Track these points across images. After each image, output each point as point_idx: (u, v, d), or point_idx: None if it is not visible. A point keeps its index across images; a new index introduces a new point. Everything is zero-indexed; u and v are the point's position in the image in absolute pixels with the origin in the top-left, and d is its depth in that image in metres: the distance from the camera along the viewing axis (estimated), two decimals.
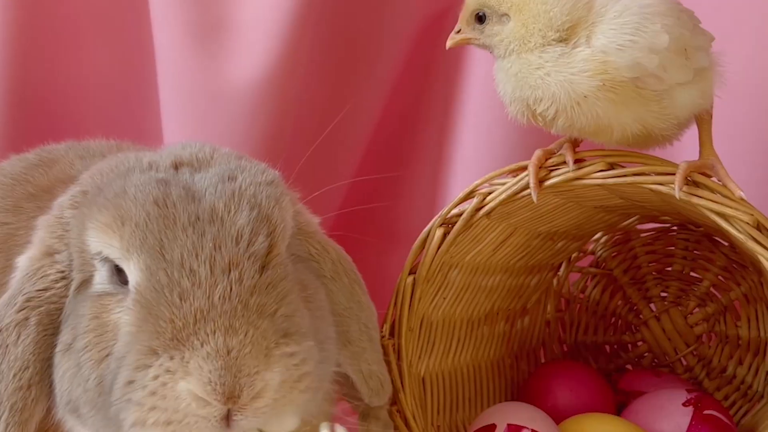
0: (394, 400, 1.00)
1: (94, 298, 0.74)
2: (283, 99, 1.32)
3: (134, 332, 0.69)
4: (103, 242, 0.73)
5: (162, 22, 1.35)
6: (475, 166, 1.36)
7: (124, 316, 0.71)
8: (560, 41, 0.89)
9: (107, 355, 0.71)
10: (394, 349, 1.01)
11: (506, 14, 0.92)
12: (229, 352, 0.66)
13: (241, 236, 0.71)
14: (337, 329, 0.84)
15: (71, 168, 0.91)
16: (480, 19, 0.94)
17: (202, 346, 0.66)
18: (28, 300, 0.77)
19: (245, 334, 0.66)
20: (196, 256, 0.69)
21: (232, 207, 0.72)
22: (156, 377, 0.66)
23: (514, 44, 0.91)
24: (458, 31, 0.96)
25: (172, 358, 0.66)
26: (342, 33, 1.37)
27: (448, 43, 0.97)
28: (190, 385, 0.65)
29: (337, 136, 1.41)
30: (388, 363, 1.01)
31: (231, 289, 0.68)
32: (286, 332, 0.69)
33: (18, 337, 0.76)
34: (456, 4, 1.35)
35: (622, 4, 0.90)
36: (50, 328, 0.76)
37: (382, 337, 1.01)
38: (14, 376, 0.75)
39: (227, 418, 0.67)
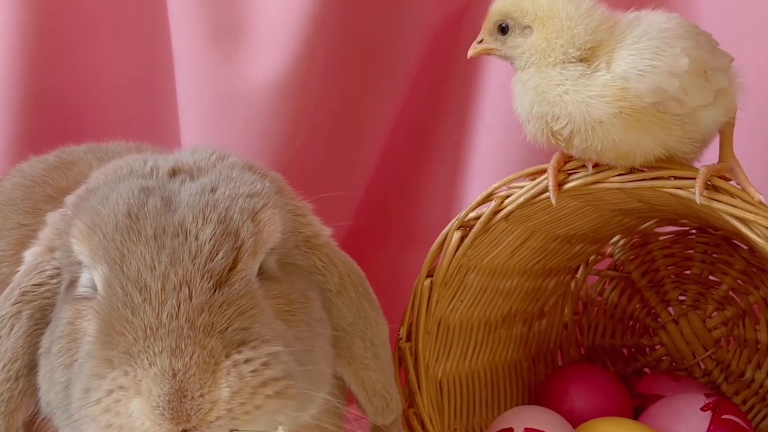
0: (411, 403, 1.00)
1: (74, 302, 0.75)
2: (299, 100, 1.33)
3: (92, 341, 0.69)
4: (78, 248, 0.74)
5: (180, 23, 1.35)
6: (492, 168, 1.36)
7: (88, 324, 0.71)
8: (581, 60, 0.89)
9: (75, 362, 0.71)
10: (411, 352, 1.01)
11: (529, 27, 0.91)
12: (174, 375, 0.65)
13: (200, 252, 0.70)
14: (340, 345, 0.82)
15: (90, 170, 0.91)
16: (503, 30, 0.93)
17: (150, 366, 0.65)
18: (23, 294, 0.78)
19: (190, 356, 0.65)
20: (152, 270, 0.69)
21: (200, 220, 0.71)
22: (110, 392, 0.66)
23: (535, 57, 0.90)
24: (480, 41, 0.96)
25: (126, 373, 0.66)
26: (358, 35, 1.37)
27: (470, 53, 0.97)
28: (141, 405, 0.65)
29: (354, 138, 1.41)
30: (405, 366, 1.01)
31: (179, 307, 0.67)
32: (240, 342, 0.68)
33: (11, 329, 0.77)
34: (472, 6, 1.36)
35: (640, 29, 0.89)
36: (42, 323, 0.77)
37: (399, 339, 1.01)
38: (3, 367, 0.76)
39: None
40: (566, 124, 0.88)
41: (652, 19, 0.90)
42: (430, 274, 1.02)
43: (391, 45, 1.38)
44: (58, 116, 1.43)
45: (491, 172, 1.35)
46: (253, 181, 0.78)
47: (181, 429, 0.65)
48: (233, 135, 1.31)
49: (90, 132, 1.32)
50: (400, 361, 1.02)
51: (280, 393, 0.68)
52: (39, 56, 1.39)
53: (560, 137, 0.90)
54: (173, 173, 0.78)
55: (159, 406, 0.64)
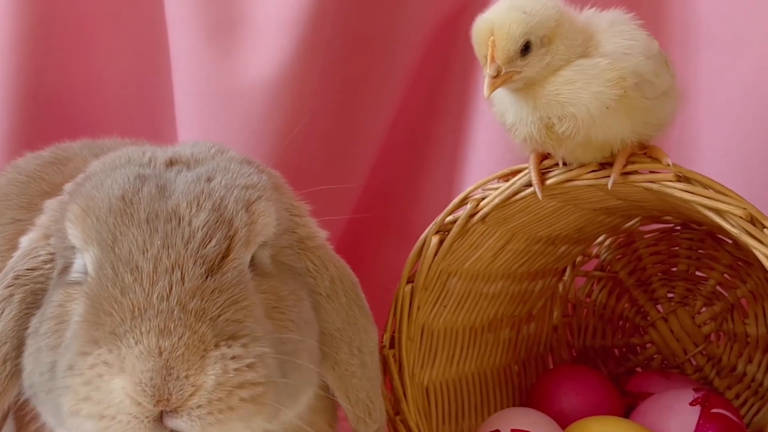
0: (398, 410, 1.00)
1: (65, 286, 0.75)
2: (297, 98, 1.33)
3: (80, 321, 0.69)
4: (72, 231, 0.74)
5: (177, 20, 1.36)
6: (490, 165, 1.35)
7: (77, 306, 0.71)
8: (581, 56, 0.88)
9: (62, 343, 0.71)
10: (395, 359, 1.01)
11: (546, 35, 0.87)
12: (161, 353, 0.65)
13: (193, 237, 0.70)
14: (325, 349, 0.82)
15: (85, 166, 0.90)
16: (525, 50, 0.87)
17: (136, 344, 0.65)
18: (16, 277, 0.79)
19: (179, 337, 0.65)
20: (144, 253, 0.69)
21: (194, 207, 0.72)
22: (93, 366, 0.66)
23: (558, 61, 0.87)
24: (496, 75, 0.86)
25: (110, 351, 0.66)
26: (356, 32, 1.38)
27: (489, 91, 0.86)
28: (124, 382, 0.65)
29: (352, 135, 1.41)
30: (389, 373, 1.00)
31: (170, 289, 0.67)
32: (232, 335, 0.67)
33: (1, 313, 0.78)
34: (471, 5, 1.36)
35: (609, 17, 0.91)
36: (33, 308, 0.78)
37: (383, 347, 1.01)
38: None
39: (161, 419, 0.66)
40: (574, 123, 0.87)
41: (613, 12, 0.92)
42: (410, 280, 1.02)
43: (388, 43, 1.39)
44: (54, 113, 1.44)
45: (489, 168, 1.34)
46: (250, 173, 0.78)
47: (159, 410, 0.65)
48: (230, 132, 1.32)
49: (87, 129, 1.34)
50: (384, 368, 1.01)
51: (255, 399, 0.68)
52: (36, 53, 1.40)
53: (556, 137, 0.88)
54: (170, 163, 0.79)
55: (141, 383, 0.64)
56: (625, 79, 0.86)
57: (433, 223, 1.02)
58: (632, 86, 0.86)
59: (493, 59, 0.85)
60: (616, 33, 0.89)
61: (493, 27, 0.85)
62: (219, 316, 0.68)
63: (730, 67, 1.25)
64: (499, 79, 0.86)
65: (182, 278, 0.68)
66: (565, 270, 1.31)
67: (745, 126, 1.23)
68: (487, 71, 0.85)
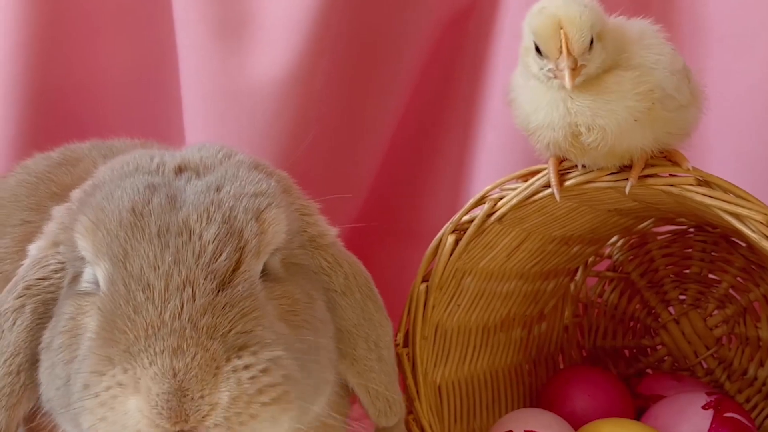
0: (410, 409, 1.00)
1: (76, 297, 0.74)
2: (304, 97, 1.33)
3: (94, 338, 0.69)
4: (82, 243, 0.74)
5: (185, 19, 1.36)
6: (498, 167, 1.35)
7: (90, 321, 0.71)
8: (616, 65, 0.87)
9: (75, 358, 0.71)
10: (408, 357, 1.01)
11: (599, 31, 0.85)
12: (175, 375, 0.64)
13: (204, 252, 0.69)
14: (343, 346, 0.82)
15: (94, 167, 0.90)
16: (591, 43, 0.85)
17: (150, 365, 0.65)
18: (27, 287, 0.78)
19: (192, 357, 0.65)
20: (155, 269, 0.69)
21: (204, 220, 0.71)
22: (108, 388, 0.66)
23: (608, 59, 0.86)
24: (574, 68, 0.84)
25: (125, 371, 0.65)
26: (364, 32, 1.38)
27: (571, 83, 0.84)
28: (139, 402, 0.65)
29: (359, 135, 1.41)
30: (403, 372, 1.00)
31: (182, 308, 0.67)
32: (242, 346, 0.67)
33: (13, 323, 0.77)
34: (479, 4, 1.36)
35: (637, 27, 0.90)
36: (45, 317, 0.77)
37: (396, 345, 1.01)
38: (5, 361, 0.76)
39: None
40: (600, 136, 0.86)
41: (642, 23, 0.91)
42: (425, 279, 1.02)
43: (396, 43, 1.39)
44: (62, 113, 1.43)
45: (497, 169, 1.34)
46: (258, 180, 0.78)
47: (177, 430, 0.65)
48: (237, 132, 1.32)
49: (94, 129, 1.33)
50: (398, 366, 1.01)
51: (277, 400, 0.68)
52: (43, 53, 1.39)
53: (579, 147, 0.88)
54: (179, 170, 0.78)
55: (158, 405, 0.64)
56: (653, 92, 0.86)
57: (449, 221, 1.02)
58: (657, 99, 0.86)
59: (569, 52, 0.84)
60: (644, 46, 0.88)
61: (561, 20, 0.84)
62: (230, 331, 0.67)
63: (737, 65, 1.25)
64: (576, 71, 0.84)
65: (193, 295, 0.68)
66: (577, 270, 1.30)
67: (752, 125, 1.23)
68: (566, 63, 0.83)
